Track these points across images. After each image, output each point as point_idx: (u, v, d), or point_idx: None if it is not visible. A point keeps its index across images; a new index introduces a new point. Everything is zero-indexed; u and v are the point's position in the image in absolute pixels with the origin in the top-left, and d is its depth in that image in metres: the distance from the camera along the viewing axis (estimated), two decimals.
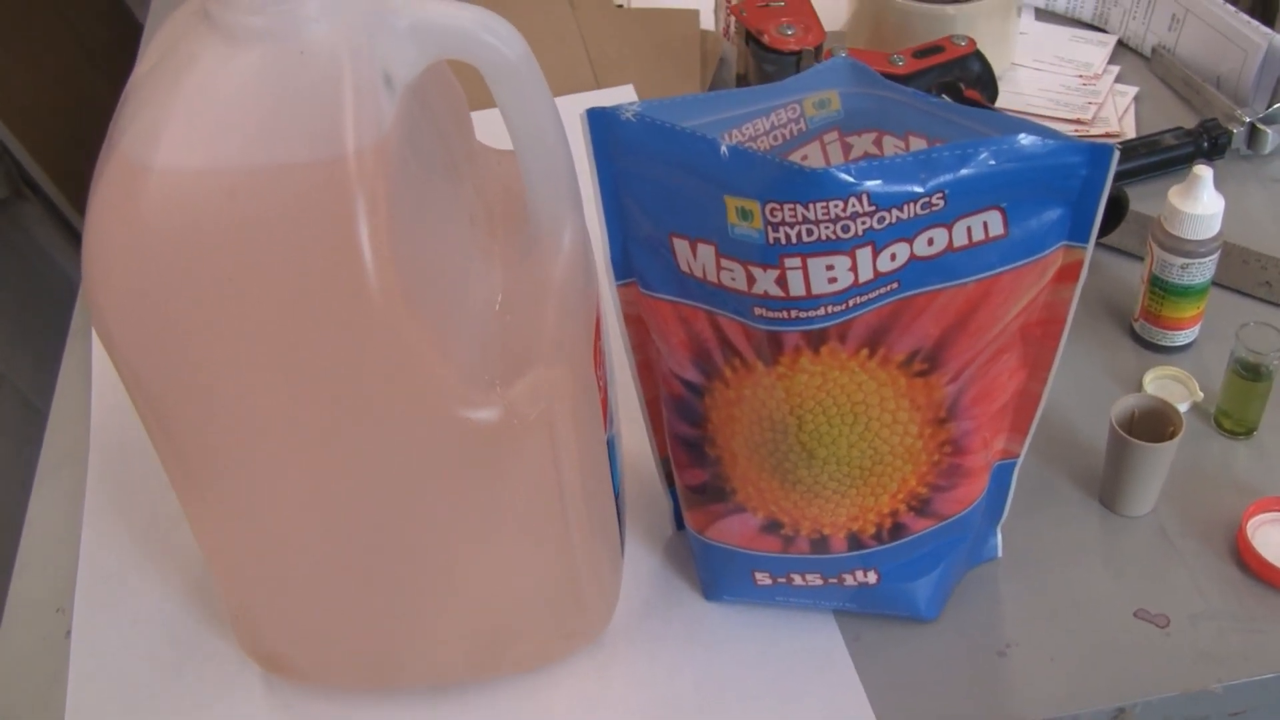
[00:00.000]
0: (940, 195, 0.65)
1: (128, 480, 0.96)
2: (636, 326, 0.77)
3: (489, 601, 0.76)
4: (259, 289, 0.62)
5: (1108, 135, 1.19)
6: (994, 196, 0.67)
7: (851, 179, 0.63)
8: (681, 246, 0.69)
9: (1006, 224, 0.68)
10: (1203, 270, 0.95)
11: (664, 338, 0.74)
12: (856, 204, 0.64)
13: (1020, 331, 0.73)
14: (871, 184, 0.64)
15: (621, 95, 1.18)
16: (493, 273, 0.70)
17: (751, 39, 1.12)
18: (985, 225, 0.67)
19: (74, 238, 2.16)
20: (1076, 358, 0.99)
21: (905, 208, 0.65)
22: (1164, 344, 0.99)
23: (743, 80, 1.18)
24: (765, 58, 1.11)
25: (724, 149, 0.65)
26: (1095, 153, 0.67)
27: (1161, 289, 0.96)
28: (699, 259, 0.69)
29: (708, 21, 1.31)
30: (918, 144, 0.74)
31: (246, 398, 0.65)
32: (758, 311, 0.68)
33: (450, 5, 0.64)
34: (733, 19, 1.18)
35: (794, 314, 0.67)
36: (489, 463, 0.68)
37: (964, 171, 0.65)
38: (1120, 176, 1.12)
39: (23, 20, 2.18)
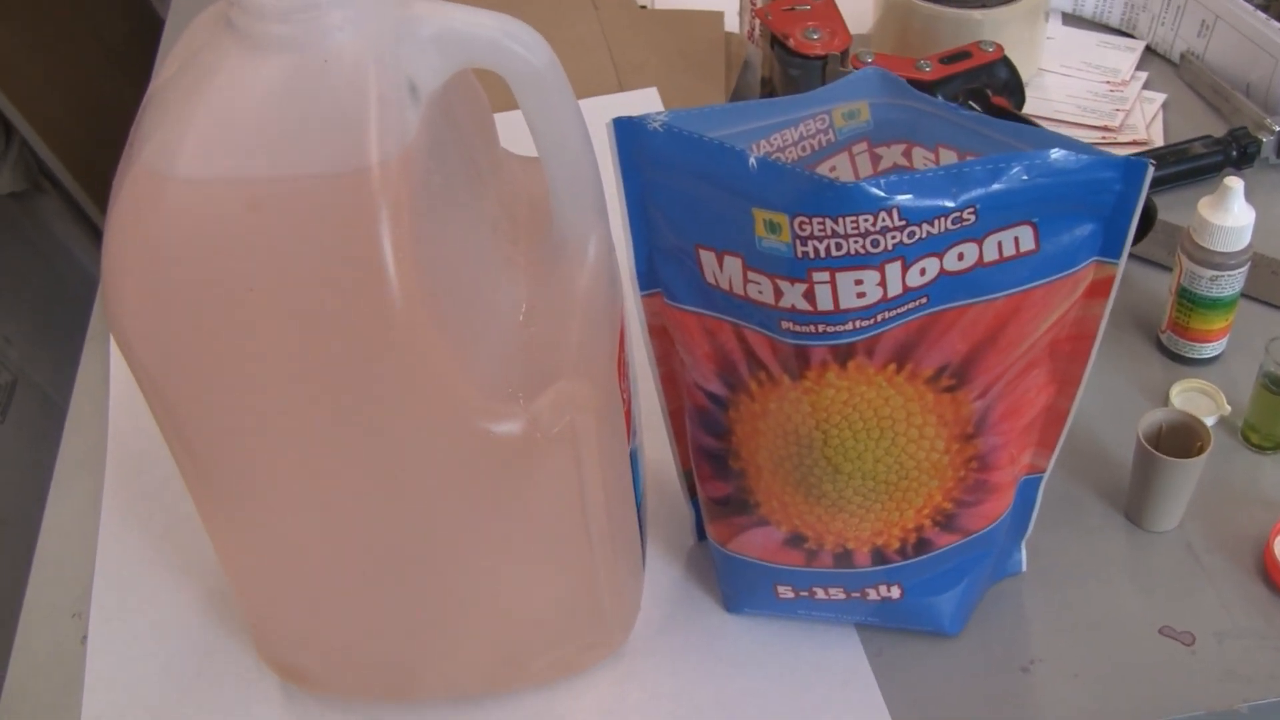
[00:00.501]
0: (971, 210, 0.64)
1: (145, 485, 0.96)
2: (661, 338, 0.76)
3: (509, 613, 0.75)
4: (280, 300, 0.61)
5: (1135, 143, 1.17)
6: (1026, 211, 0.66)
7: (882, 193, 0.62)
8: (708, 258, 0.68)
9: (1038, 239, 0.67)
10: (1232, 283, 0.93)
11: (689, 350, 0.73)
12: (887, 218, 0.63)
13: (1049, 347, 0.72)
14: (902, 198, 0.63)
15: (646, 98, 1.17)
16: (516, 283, 0.69)
17: (777, 43, 1.11)
18: (1016, 240, 0.66)
19: (93, 232, 2.17)
20: (1102, 369, 0.98)
21: (936, 222, 0.64)
22: (1191, 356, 0.98)
23: (767, 84, 1.17)
24: (790, 62, 1.10)
25: (753, 161, 0.64)
26: (1129, 168, 0.66)
27: (1190, 301, 0.95)
28: (725, 271, 0.68)
29: (732, 24, 1.30)
30: (948, 156, 0.73)
31: (266, 409, 0.64)
32: (785, 325, 0.67)
33: (475, 13, 0.63)
34: (758, 22, 1.17)
35: (821, 329, 0.67)
36: (511, 476, 0.67)
37: (995, 186, 0.64)
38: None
39: (42, 15, 2.18)
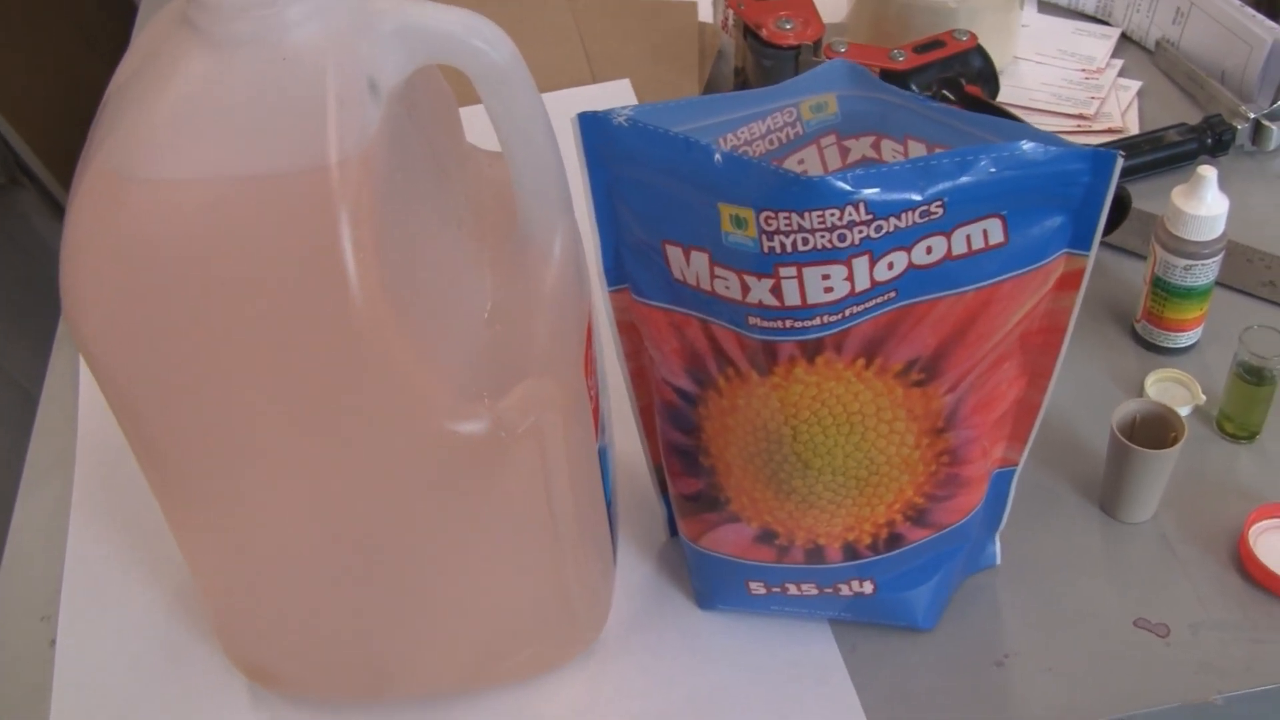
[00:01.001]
0: (939, 203, 0.64)
1: (115, 485, 0.95)
2: (630, 334, 0.75)
3: (478, 613, 0.75)
4: (241, 300, 0.60)
5: (1110, 131, 1.17)
6: (994, 204, 0.65)
7: (848, 187, 0.62)
8: (675, 254, 0.68)
9: (1007, 232, 0.66)
10: (1206, 272, 0.93)
11: (657, 346, 0.73)
12: (853, 212, 0.62)
13: (1021, 340, 0.72)
14: (869, 192, 0.62)
15: (618, 90, 1.17)
16: (483, 280, 0.69)
17: (750, 33, 1.10)
18: (985, 233, 0.66)
19: None
20: (1077, 359, 0.97)
21: (903, 216, 0.63)
22: (1166, 345, 0.97)
23: (740, 74, 1.16)
24: (763, 52, 1.09)
25: (718, 156, 0.63)
26: (1098, 160, 0.65)
27: (1164, 290, 0.94)
28: (692, 267, 0.67)
29: (706, 14, 1.30)
30: (916, 148, 0.72)
31: (229, 410, 0.64)
32: (752, 321, 0.67)
33: (436, 8, 0.62)
34: (731, 12, 1.16)
35: (789, 324, 0.66)
36: (477, 475, 0.66)
37: (963, 179, 0.64)
38: (1122, 174, 1.10)
39: (21, 5, 2.16)
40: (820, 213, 0.62)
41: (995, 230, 0.66)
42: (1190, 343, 0.97)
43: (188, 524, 0.72)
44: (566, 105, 1.14)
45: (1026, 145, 0.64)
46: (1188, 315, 0.95)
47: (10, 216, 2.17)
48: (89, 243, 0.61)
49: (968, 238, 0.66)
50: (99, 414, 1.00)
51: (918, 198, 0.63)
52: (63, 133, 2.13)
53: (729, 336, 0.69)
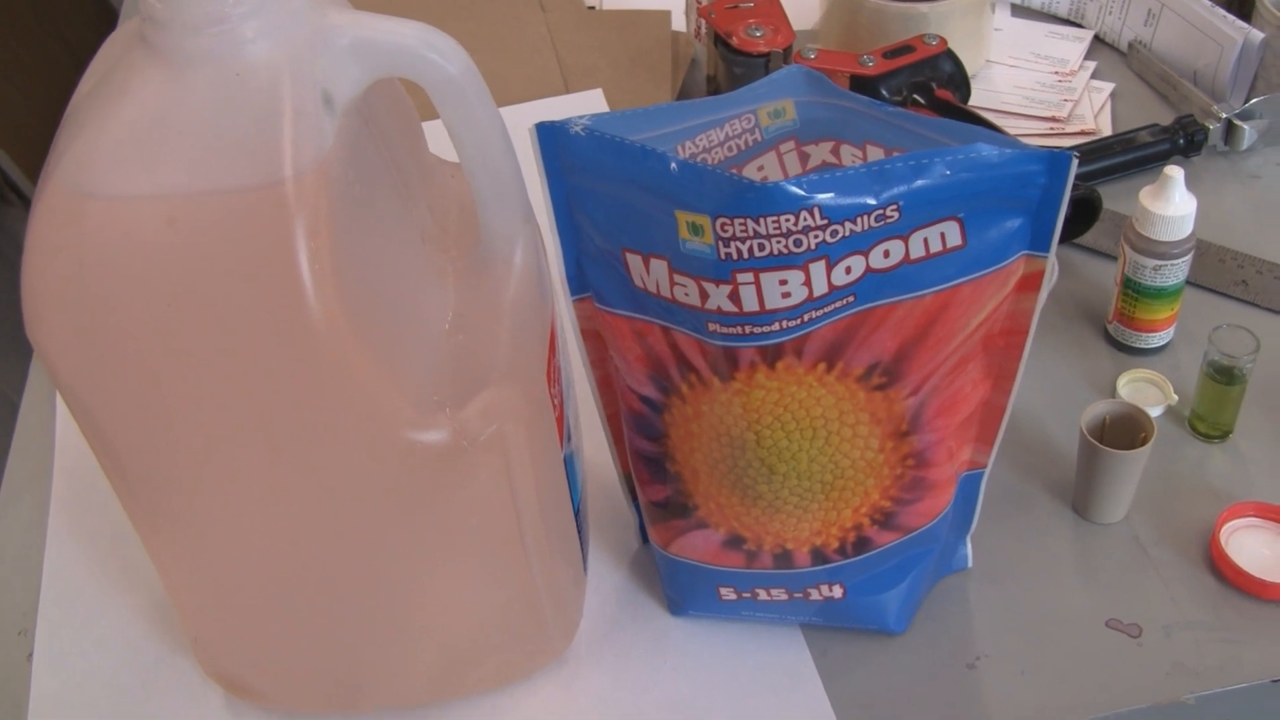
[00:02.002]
0: (895, 207, 0.64)
1: (92, 499, 0.95)
2: (594, 341, 0.76)
3: (448, 623, 0.75)
4: (200, 315, 0.60)
5: (1084, 133, 1.17)
6: (951, 207, 0.65)
7: (802, 193, 0.62)
8: (635, 262, 0.68)
9: (964, 235, 0.66)
10: (1176, 272, 0.93)
11: (621, 353, 0.73)
12: (808, 218, 0.63)
13: (983, 342, 0.72)
14: (823, 197, 0.62)
15: (591, 100, 1.17)
16: (445, 291, 0.69)
17: (720, 41, 1.11)
18: (943, 236, 0.66)
19: None
20: (1050, 360, 0.98)
21: (859, 220, 0.64)
22: (1138, 346, 0.97)
23: (712, 82, 1.17)
24: (734, 60, 1.09)
25: (673, 164, 0.64)
26: (1053, 161, 0.66)
27: (1135, 291, 0.95)
28: (652, 274, 0.68)
29: (679, 23, 1.30)
30: (875, 153, 0.73)
31: (192, 425, 0.64)
32: (712, 327, 0.67)
33: (391, 21, 0.63)
34: (703, 21, 1.16)
35: (748, 329, 0.66)
36: (440, 485, 0.67)
37: (919, 183, 0.64)
38: (1095, 175, 1.11)
39: (8, 22, 2.16)
40: (775, 218, 0.62)
41: (953, 233, 0.66)
42: (1162, 343, 0.98)
43: (157, 537, 0.72)
44: (538, 117, 1.15)
45: (981, 148, 0.64)
46: (1159, 315, 0.96)
47: (1, 234, 2.18)
48: (48, 258, 0.61)
49: (925, 241, 0.66)
50: (75, 428, 1.00)
51: (873, 202, 0.63)
52: (49, 149, 2.13)
53: (690, 343, 0.69)
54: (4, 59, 2.11)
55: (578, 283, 0.73)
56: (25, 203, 2.14)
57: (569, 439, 0.76)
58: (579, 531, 0.79)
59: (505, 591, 0.74)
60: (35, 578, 0.90)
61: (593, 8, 1.35)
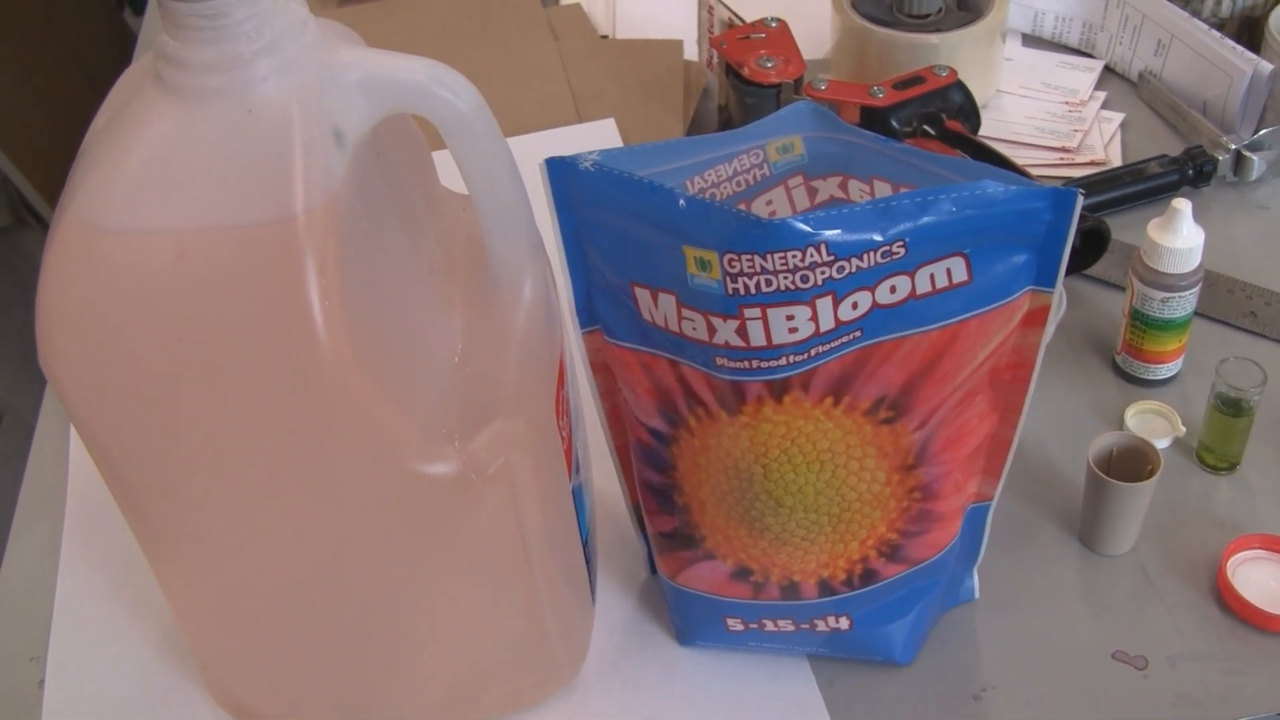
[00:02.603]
0: (901, 243, 0.64)
1: (104, 525, 0.95)
2: (604, 374, 0.76)
3: (456, 652, 0.75)
4: (211, 348, 0.61)
5: (1093, 163, 1.18)
6: (957, 243, 0.66)
7: (809, 229, 0.63)
8: (643, 296, 0.69)
9: (970, 270, 0.67)
10: (1184, 304, 0.94)
11: (629, 386, 0.73)
12: (815, 254, 0.63)
13: (989, 376, 0.73)
14: (830, 233, 0.63)
15: (603, 130, 1.18)
16: (453, 322, 0.70)
17: (732, 71, 1.11)
18: (949, 272, 0.67)
19: None
20: (1058, 391, 0.98)
21: (865, 256, 0.64)
22: (1146, 378, 0.98)
23: (724, 112, 1.17)
24: (745, 90, 1.10)
25: (681, 200, 0.64)
26: (1058, 198, 0.66)
27: (1143, 323, 0.95)
28: (660, 308, 0.68)
29: (691, 52, 1.31)
30: (883, 188, 0.73)
31: (202, 456, 0.65)
32: (719, 361, 0.67)
33: (401, 58, 0.63)
34: (714, 51, 1.17)
35: (755, 364, 0.67)
36: (449, 517, 0.67)
37: (925, 219, 0.64)
38: (1105, 206, 1.11)
39: (24, 45, 2.18)
40: (782, 254, 0.63)
41: (959, 269, 0.67)
42: (1170, 374, 0.98)
43: (167, 566, 0.73)
44: (550, 147, 1.14)
45: (987, 185, 0.65)
46: (1167, 347, 0.96)
47: (15, 256, 2.19)
48: (63, 292, 0.62)
49: (931, 276, 0.66)
50: (88, 455, 1.00)
51: (879, 238, 0.64)
52: (66, 173, 2.15)
53: (698, 377, 0.69)
54: (20, 78, 2.13)
55: (587, 315, 0.73)
56: (42, 225, 2.16)
57: (577, 470, 0.76)
58: (587, 561, 0.79)
59: (513, 620, 0.75)
60: (48, 604, 0.91)
61: (605, 36, 1.36)
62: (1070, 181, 1.13)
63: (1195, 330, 0.97)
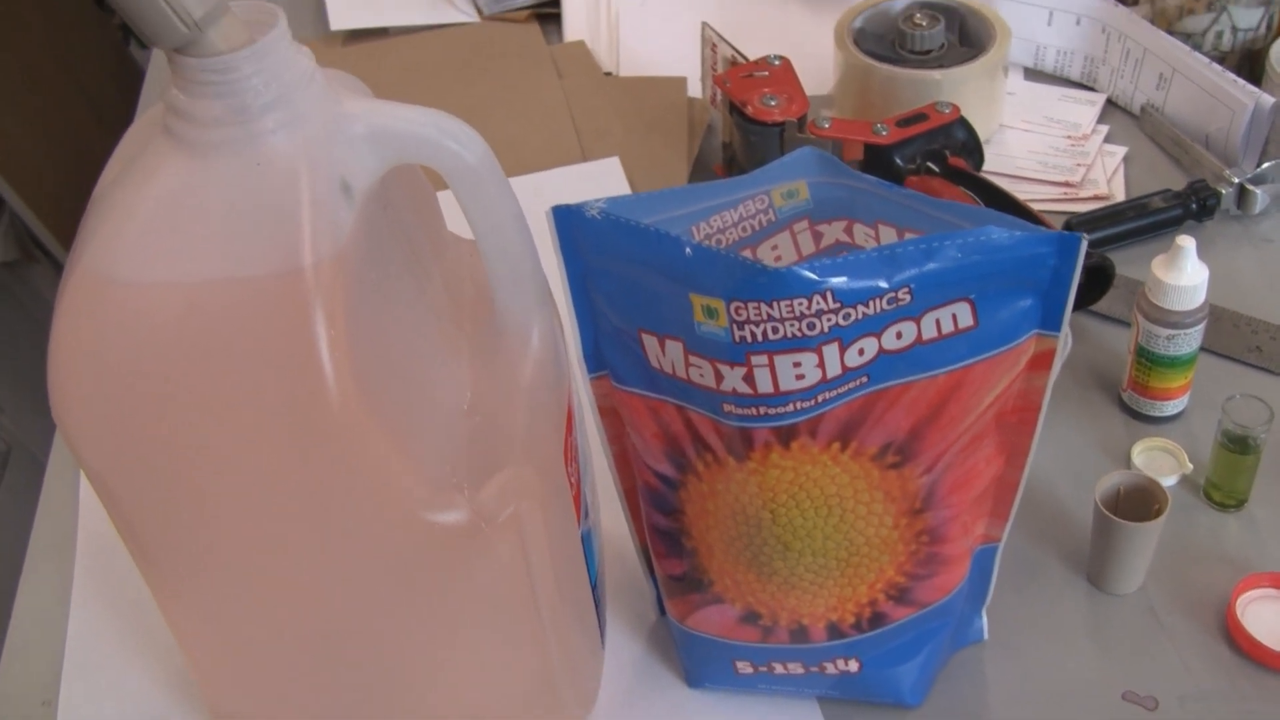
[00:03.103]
0: (906, 290, 0.65)
1: (115, 567, 0.95)
2: (612, 419, 0.76)
3: (465, 695, 0.75)
4: (221, 399, 0.62)
5: (1096, 197, 1.18)
6: (962, 289, 0.66)
7: (815, 277, 0.63)
8: (650, 342, 0.69)
9: (976, 316, 0.67)
10: (1189, 340, 0.94)
11: (637, 431, 0.74)
12: (821, 301, 0.63)
13: (996, 419, 0.73)
14: (835, 281, 0.63)
15: (608, 168, 1.18)
16: (461, 370, 0.70)
17: (735, 110, 1.12)
18: (954, 317, 0.67)
19: None
20: (1064, 428, 0.98)
21: (871, 303, 0.64)
22: (1153, 414, 0.98)
23: (728, 149, 1.18)
24: (749, 129, 1.10)
25: (688, 248, 0.65)
26: (1063, 243, 0.66)
27: (1148, 360, 0.95)
28: (668, 355, 0.69)
29: (695, 89, 1.31)
30: (887, 233, 0.73)
31: (212, 505, 0.65)
32: (727, 408, 0.68)
33: (408, 109, 0.64)
34: (718, 89, 1.18)
35: (763, 410, 0.67)
36: (458, 565, 0.67)
37: (930, 266, 0.65)
38: (1109, 241, 1.12)
39: (31, 79, 2.18)
40: (789, 302, 0.63)
41: (964, 314, 0.67)
42: (1177, 411, 0.98)
43: (176, 610, 0.73)
44: (555, 185, 1.17)
45: (992, 231, 0.65)
46: (1173, 384, 0.96)
47: (24, 290, 2.19)
48: (74, 343, 0.62)
49: (937, 322, 0.67)
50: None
51: (884, 285, 0.64)
52: (74, 207, 2.14)
53: (706, 423, 0.69)
54: (28, 114, 2.13)
55: (595, 361, 0.74)
56: (50, 260, 2.16)
57: (586, 515, 0.76)
58: (596, 604, 0.80)
59: (522, 664, 0.75)
60: (59, 646, 0.91)
61: (609, 73, 1.36)
62: (1074, 217, 1.13)
63: (1201, 365, 0.97)
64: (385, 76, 1.37)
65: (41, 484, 1.05)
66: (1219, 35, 1.27)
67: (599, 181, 1.16)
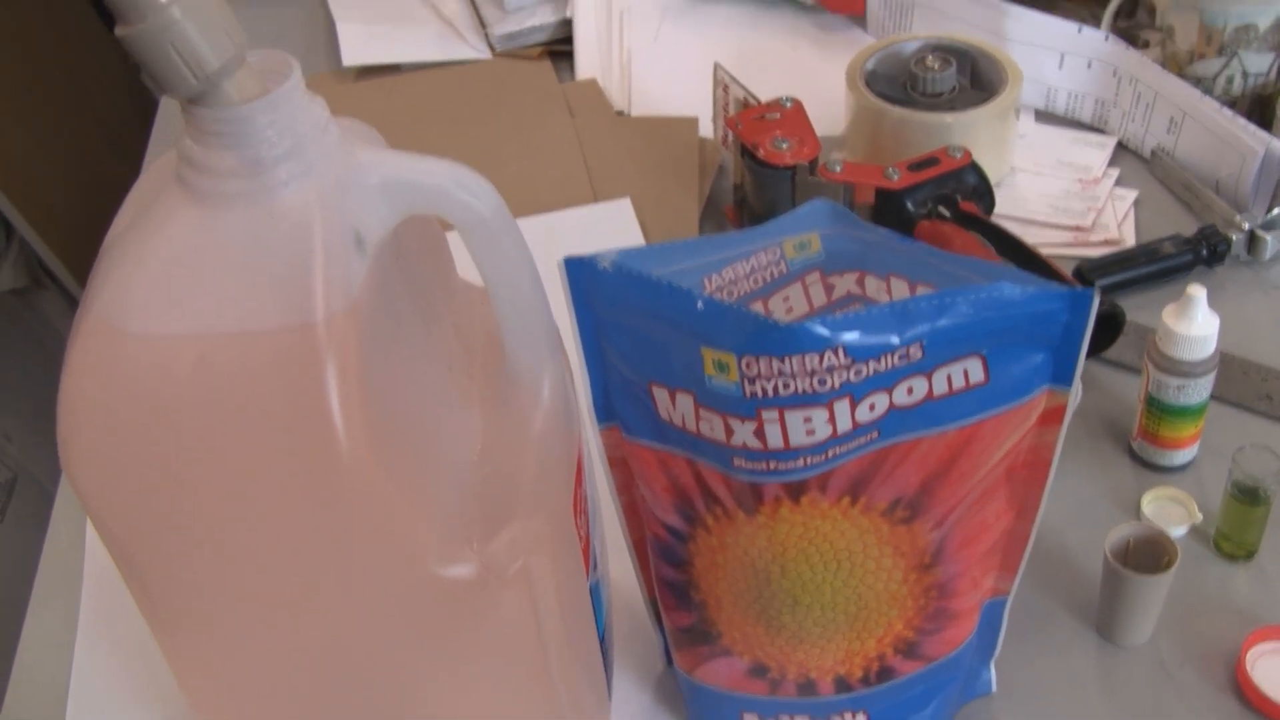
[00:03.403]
0: (918, 345, 0.64)
1: (120, 604, 0.94)
2: (621, 469, 0.76)
3: None
4: (230, 451, 0.61)
5: (1107, 242, 1.18)
6: (973, 344, 0.66)
7: (827, 333, 0.63)
8: (661, 395, 0.69)
9: (987, 371, 0.67)
10: (1199, 390, 0.94)
11: (646, 483, 0.73)
12: (833, 357, 0.63)
13: (1006, 473, 0.72)
14: (847, 337, 0.63)
15: (619, 209, 1.18)
16: (471, 420, 0.70)
17: (747, 152, 1.12)
18: (966, 373, 0.67)
19: None
20: (1074, 477, 0.98)
21: (883, 359, 0.64)
22: (1163, 464, 0.97)
23: (739, 191, 1.18)
24: (760, 172, 1.11)
25: (700, 302, 0.64)
26: (1075, 299, 0.66)
27: (1158, 409, 0.95)
28: (678, 408, 0.68)
29: (706, 129, 1.31)
30: (899, 285, 0.73)
31: (221, 558, 0.65)
32: (737, 462, 0.67)
33: (421, 160, 0.64)
34: (729, 130, 1.18)
35: (773, 465, 0.67)
36: (466, 617, 0.67)
37: (942, 322, 0.64)
38: (1119, 287, 1.12)
39: (42, 103, 2.19)
40: (800, 358, 0.63)
41: (976, 369, 0.67)
42: (1187, 460, 0.98)
43: (182, 661, 0.72)
44: (567, 226, 1.17)
45: (1004, 287, 0.65)
46: (1183, 433, 0.96)
47: (33, 317, 2.20)
48: (84, 394, 0.62)
49: (948, 377, 0.66)
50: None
51: (896, 341, 0.64)
52: (84, 235, 2.15)
53: (715, 476, 0.69)
54: (42, 145, 2.14)
55: (605, 411, 0.73)
56: (59, 287, 2.16)
57: (595, 566, 0.76)
58: (604, 654, 0.79)
59: (530, 715, 0.75)
60: (64, 680, 0.91)
61: (621, 112, 1.36)
62: (1085, 262, 1.13)
63: (1211, 413, 0.97)
64: (397, 113, 1.38)
65: (49, 513, 1.05)
66: (1230, 80, 1.27)
67: (610, 223, 1.16)
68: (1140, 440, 0.98)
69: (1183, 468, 0.98)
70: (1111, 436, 1.01)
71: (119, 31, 0.58)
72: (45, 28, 2.25)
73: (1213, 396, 0.96)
